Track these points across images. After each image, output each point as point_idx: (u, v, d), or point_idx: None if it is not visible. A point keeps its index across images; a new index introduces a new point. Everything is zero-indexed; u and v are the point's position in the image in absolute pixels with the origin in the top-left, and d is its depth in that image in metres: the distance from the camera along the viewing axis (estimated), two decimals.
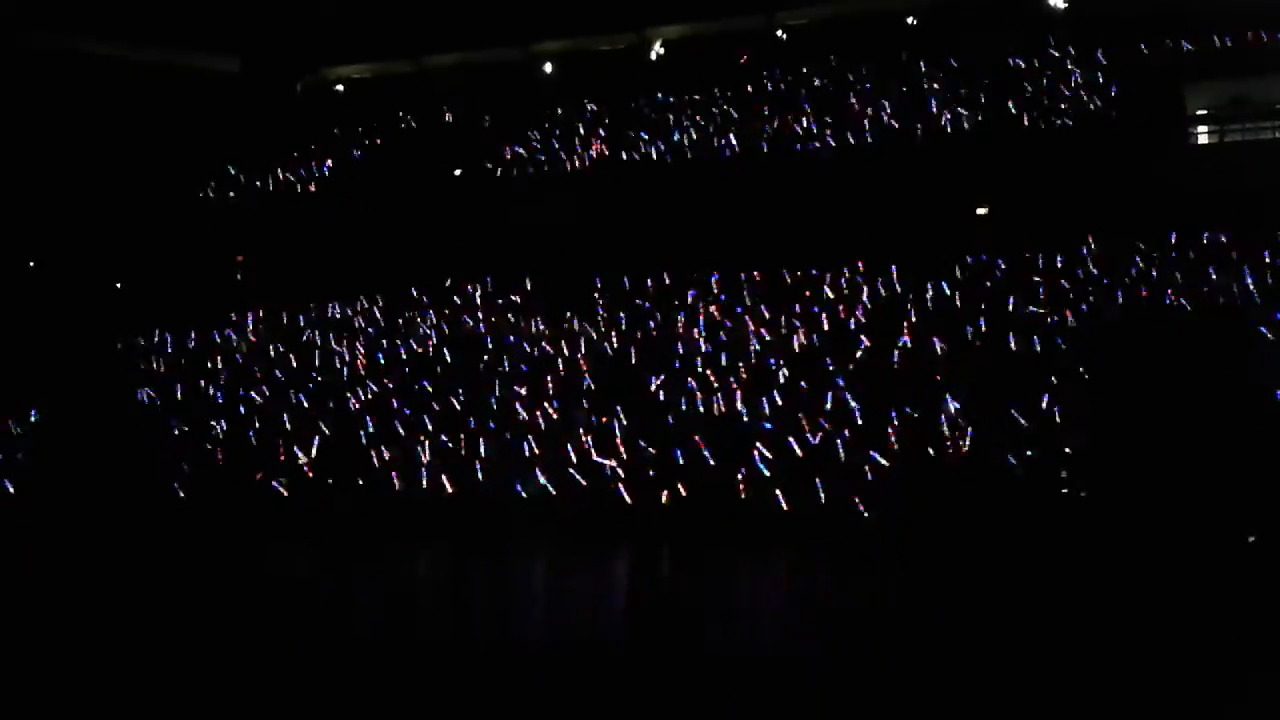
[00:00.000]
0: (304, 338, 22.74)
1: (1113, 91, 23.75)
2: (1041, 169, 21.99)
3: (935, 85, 25.09)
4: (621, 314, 20.62)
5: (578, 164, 26.10)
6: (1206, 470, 13.57)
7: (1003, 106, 23.94)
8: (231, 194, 28.51)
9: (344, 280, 25.03)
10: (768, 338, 18.71)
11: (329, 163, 28.60)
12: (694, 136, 25.25)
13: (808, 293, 20.17)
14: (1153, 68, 24.16)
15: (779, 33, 27.08)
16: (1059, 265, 20.11)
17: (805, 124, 24.79)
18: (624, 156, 25.60)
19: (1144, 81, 23.79)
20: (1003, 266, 20.41)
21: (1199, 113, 24.00)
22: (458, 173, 27.45)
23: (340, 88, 30.67)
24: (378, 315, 23.22)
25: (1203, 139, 23.84)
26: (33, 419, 20.50)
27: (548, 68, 28.91)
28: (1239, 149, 23.04)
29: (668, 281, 21.47)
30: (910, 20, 26.24)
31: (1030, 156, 22.50)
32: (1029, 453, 15.00)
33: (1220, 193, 20.67)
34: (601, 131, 26.98)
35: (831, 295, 20.14)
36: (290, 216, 27.31)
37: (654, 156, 25.40)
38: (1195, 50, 24.20)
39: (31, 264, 27.06)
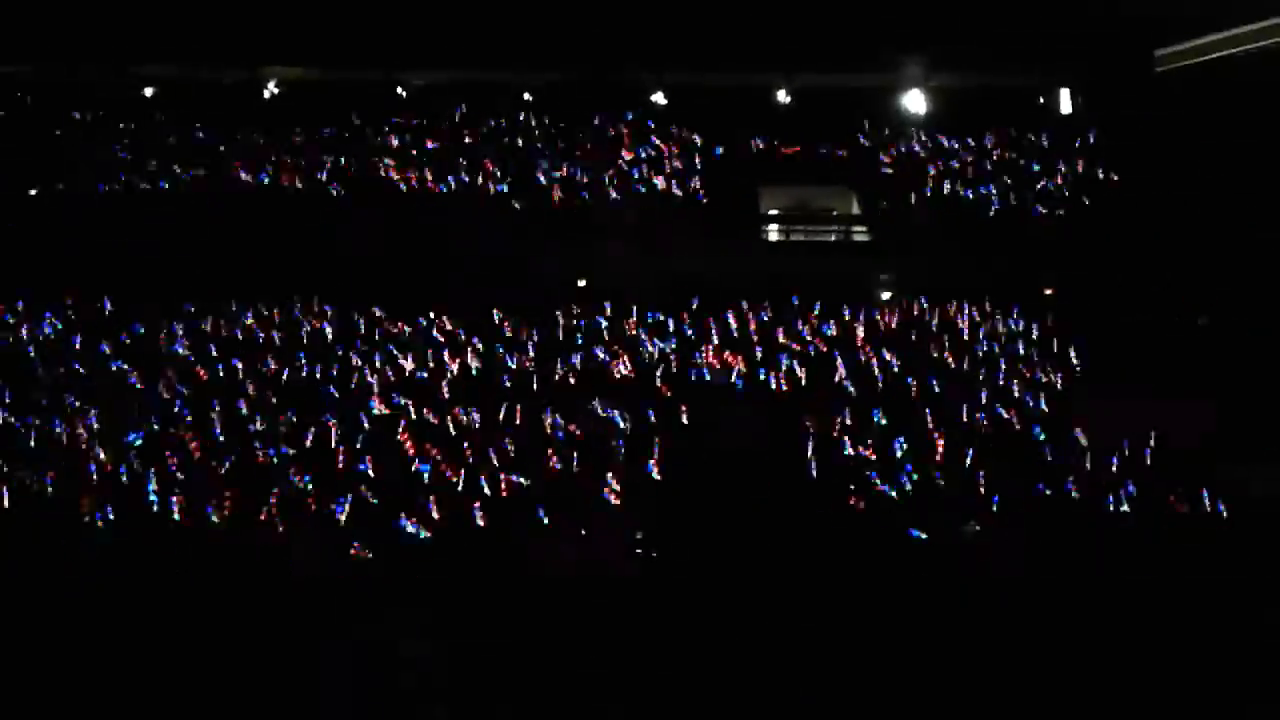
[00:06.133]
0: None
1: (695, 183, 26.14)
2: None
3: (535, 154, 26.60)
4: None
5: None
6: None
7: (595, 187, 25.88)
8: None
9: None
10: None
11: None
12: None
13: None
14: (734, 165, 26.99)
15: (399, 90, 27.55)
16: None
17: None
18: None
19: (726, 177, 26.55)
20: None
21: (771, 212, 27.31)
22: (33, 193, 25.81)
23: None
24: None
25: (773, 236, 27.17)
26: None
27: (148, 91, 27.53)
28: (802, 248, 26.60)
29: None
30: (527, 96, 27.66)
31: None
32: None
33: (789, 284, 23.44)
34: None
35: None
36: None
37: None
38: (769, 155, 27.25)
39: None
